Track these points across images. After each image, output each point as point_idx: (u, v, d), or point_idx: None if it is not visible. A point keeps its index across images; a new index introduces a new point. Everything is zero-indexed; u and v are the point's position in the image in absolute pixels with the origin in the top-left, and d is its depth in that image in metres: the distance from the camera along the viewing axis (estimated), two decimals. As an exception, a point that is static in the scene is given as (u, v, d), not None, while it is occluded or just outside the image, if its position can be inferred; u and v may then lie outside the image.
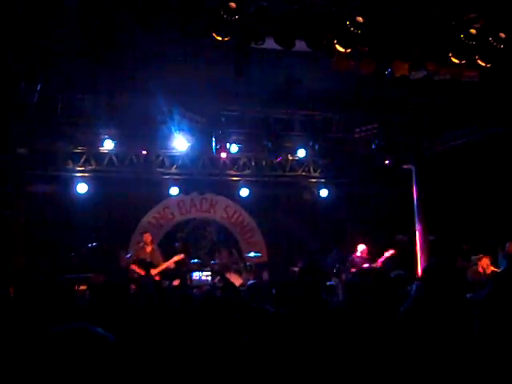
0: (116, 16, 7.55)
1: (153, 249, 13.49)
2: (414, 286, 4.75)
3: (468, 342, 2.23)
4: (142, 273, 12.98)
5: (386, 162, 15.44)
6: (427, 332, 2.11)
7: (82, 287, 12.19)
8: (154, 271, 13.12)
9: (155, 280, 12.98)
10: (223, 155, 15.37)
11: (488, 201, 15.70)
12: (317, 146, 14.61)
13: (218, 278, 13.79)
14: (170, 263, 13.45)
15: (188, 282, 14.05)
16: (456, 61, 8.57)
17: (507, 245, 12.97)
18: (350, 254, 14.80)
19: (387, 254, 14.26)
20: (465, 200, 16.15)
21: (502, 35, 8.39)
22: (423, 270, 3.89)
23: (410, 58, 8.85)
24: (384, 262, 14.13)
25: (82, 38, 7.90)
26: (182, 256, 13.74)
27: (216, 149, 14.07)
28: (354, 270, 13.75)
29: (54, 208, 14.94)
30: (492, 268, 12.38)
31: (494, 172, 14.76)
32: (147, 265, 13.12)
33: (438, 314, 2.15)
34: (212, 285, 13.68)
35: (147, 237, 13.60)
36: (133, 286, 12.47)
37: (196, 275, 14.32)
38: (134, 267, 13.12)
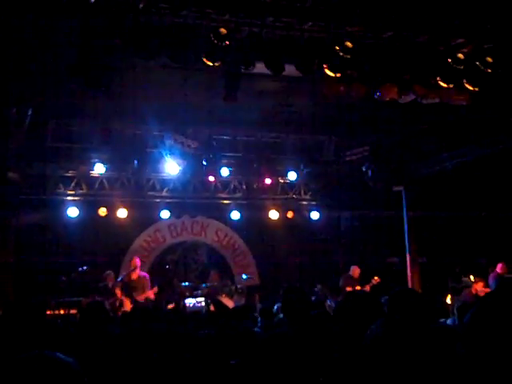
0: (108, 42, 7.61)
1: (139, 275, 13.34)
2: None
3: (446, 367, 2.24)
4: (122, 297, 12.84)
5: (377, 184, 15.49)
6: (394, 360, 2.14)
7: (73, 311, 12.12)
8: (139, 297, 12.99)
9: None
10: (211, 179, 15.41)
11: (478, 222, 15.78)
12: (306, 170, 14.69)
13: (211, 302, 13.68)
14: (151, 294, 13.26)
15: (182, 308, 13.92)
16: (444, 85, 8.67)
17: (498, 266, 13.05)
18: (342, 275, 14.82)
19: (374, 281, 14.34)
20: (455, 222, 16.22)
21: (489, 60, 8.51)
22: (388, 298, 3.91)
23: (398, 82, 8.94)
24: (372, 287, 14.17)
25: (73, 62, 7.94)
26: (155, 289, 13.50)
27: (207, 172, 14.13)
28: (348, 288, 13.76)
29: (44, 232, 14.90)
30: (486, 291, 12.46)
31: (483, 193, 14.86)
32: (130, 289, 13.00)
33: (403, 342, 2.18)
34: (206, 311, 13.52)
35: (135, 261, 13.48)
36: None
37: (189, 301, 14.11)
38: (117, 291, 13.01)
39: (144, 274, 13.61)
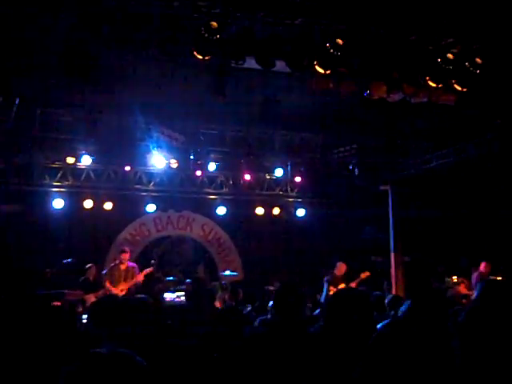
0: (96, 32, 7.57)
1: (127, 266, 13.37)
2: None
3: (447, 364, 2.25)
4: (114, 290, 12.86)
5: (363, 182, 15.54)
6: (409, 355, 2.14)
7: (56, 303, 12.03)
8: (124, 286, 13.04)
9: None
10: (200, 173, 15.42)
11: (462, 222, 15.88)
12: (293, 167, 14.72)
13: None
14: (140, 277, 13.33)
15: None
16: (433, 84, 8.70)
17: (482, 265, 13.12)
18: (328, 272, 14.77)
19: (363, 275, 14.22)
20: (439, 221, 16.31)
21: (479, 60, 8.56)
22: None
23: (387, 81, 8.96)
24: (358, 284, 14.11)
25: (61, 52, 7.89)
26: (151, 269, 13.67)
27: (194, 166, 14.12)
28: (333, 289, 13.64)
29: (29, 223, 14.81)
30: (467, 292, 12.57)
31: (468, 194, 14.96)
32: (120, 279, 13.06)
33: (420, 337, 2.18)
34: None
35: (125, 256, 13.50)
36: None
37: (168, 296, 14.04)
38: (107, 283, 13.04)
39: (132, 264, 13.61)
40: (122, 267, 13.28)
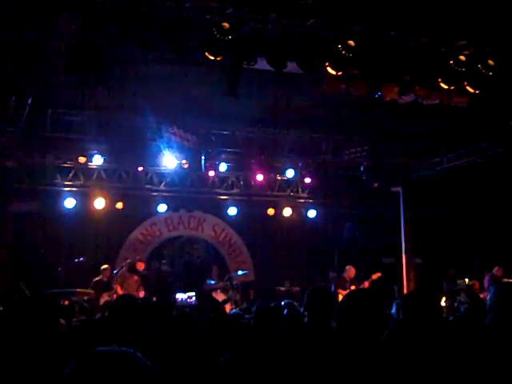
0: (108, 33, 7.58)
1: (139, 278, 13.41)
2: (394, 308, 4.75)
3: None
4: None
5: (375, 184, 15.49)
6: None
7: (66, 302, 12.10)
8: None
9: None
10: (211, 173, 15.42)
11: (474, 224, 15.80)
12: (304, 168, 14.71)
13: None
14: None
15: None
16: (445, 86, 8.66)
17: (495, 269, 13.04)
18: (332, 278, 14.73)
19: (374, 276, 14.19)
20: (451, 223, 16.24)
21: (491, 62, 8.50)
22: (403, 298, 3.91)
23: (399, 82, 8.92)
24: (371, 285, 14.06)
25: (72, 53, 7.91)
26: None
27: (205, 167, 14.12)
28: (341, 291, 13.58)
29: (41, 222, 14.88)
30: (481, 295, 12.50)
31: (480, 196, 14.87)
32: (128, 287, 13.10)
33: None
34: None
35: (141, 266, 13.56)
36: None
37: (179, 296, 14.07)
38: (118, 287, 13.05)
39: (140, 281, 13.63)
40: (136, 278, 13.31)
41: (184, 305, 13.61)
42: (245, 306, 11.73)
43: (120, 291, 12.89)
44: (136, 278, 13.32)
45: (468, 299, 12.03)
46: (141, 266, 13.94)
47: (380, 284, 13.98)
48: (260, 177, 15.95)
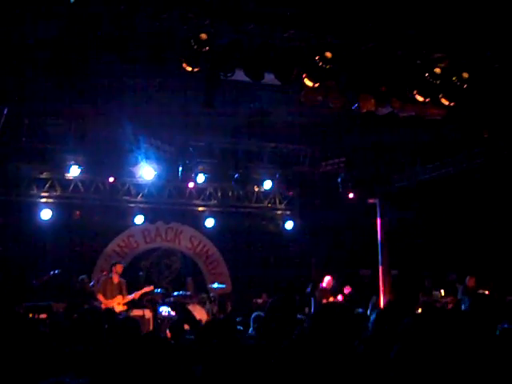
0: (85, 44, 7.56)
1: (120, 280, 13.29)
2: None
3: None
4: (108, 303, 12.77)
5: (351, 195, 15.56)
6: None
7: (42, 315, 11.95)
8: (121, 300, 12.95)
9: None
10: (191, 185, 15.39)
11: (450, 235, 15.92)
12: (282, 179, 14.76)
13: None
14: (138, 294, 13.27)
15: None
16: (421, 98, 8.74)
17: (466, 279, 13.17)
18: (316, 288, 14.76)
19: (346, 291, 14.33)
20: (427, 235, 16.36)
21: (466, 75, 8.61)
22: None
23: (376, 94, 8.99)
24: (345, 298, 14.15)
25: (50, 62, 7.87)
26: (151, 287, 13.64)
27: (182, 178, 14.09)
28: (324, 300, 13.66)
29: (16, 234, 14.72)
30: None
31: (456, 208, 15.01)
32: (112, 292, 12.97)
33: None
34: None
35: (120, 268, 13.43)
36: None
37: (163, 309, 14.03)
38: (99, 296, 12.93)
39: (122, 279, 13.52)
40: (115, 280, 13.18)
41: (168, 318, 13.57)
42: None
43: (103, 300, 12.81)
44: (115, 279, 13.18)
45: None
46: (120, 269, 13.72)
47: (355, 297, 14.06)
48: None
